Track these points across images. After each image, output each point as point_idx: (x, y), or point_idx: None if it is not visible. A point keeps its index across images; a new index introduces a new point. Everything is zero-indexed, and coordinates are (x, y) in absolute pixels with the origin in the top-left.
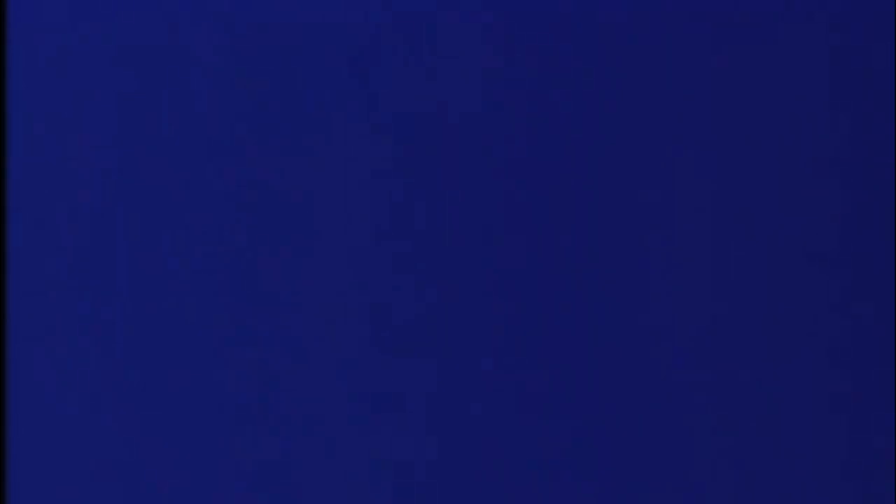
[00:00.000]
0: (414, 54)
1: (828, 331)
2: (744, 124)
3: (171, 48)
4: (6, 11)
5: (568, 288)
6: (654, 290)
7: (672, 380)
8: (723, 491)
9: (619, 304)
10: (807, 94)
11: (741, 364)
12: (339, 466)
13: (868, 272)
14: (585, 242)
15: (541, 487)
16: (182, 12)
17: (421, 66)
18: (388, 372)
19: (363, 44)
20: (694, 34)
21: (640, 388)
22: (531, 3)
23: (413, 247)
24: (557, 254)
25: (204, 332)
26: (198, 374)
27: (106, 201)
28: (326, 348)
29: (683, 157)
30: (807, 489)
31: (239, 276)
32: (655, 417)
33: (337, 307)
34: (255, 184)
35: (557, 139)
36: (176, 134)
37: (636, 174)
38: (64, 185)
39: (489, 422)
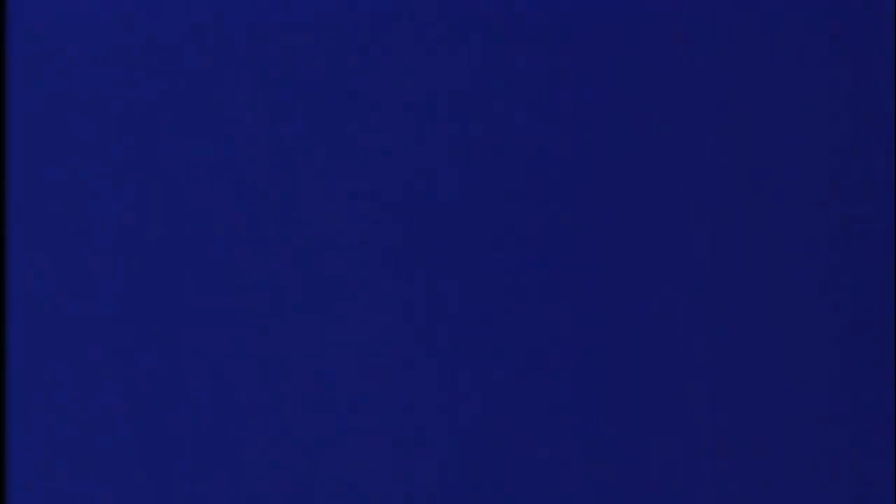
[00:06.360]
0: (414, 51)
1: (828, 331)
2: (742, 124)
3: (172, 47)
4: (6, 11)
5: (569, 289)
6: (654, 290)
7: (672, 380)
8: (723, 491)
9: (617, 305)
10: (807, 94)
11: (741, 364)
12: (341, 468)
13: (868, 272)
14: (585, 243)
15: (543, 488)
16: (182, 12)
17: (421, 63)
18: (390, 372)
19: (366, 40)
20: (692, 34)
21: (639, 389)
22: (531, 4)
23: (415, 246)
24: (558, 252)
25: (206, 333)
26: (200, 375)
27: (106, 201)
28: (329, 350)
29: (682, 157)
30: (807, 489)
31: (239, 277)
32: (656, 418)
33: (337, 307)
34: (256, 183)
35: (556, 137)
36: (176, 133)
37: (634, 174)
38: (64, 184)
39: (492, 424)
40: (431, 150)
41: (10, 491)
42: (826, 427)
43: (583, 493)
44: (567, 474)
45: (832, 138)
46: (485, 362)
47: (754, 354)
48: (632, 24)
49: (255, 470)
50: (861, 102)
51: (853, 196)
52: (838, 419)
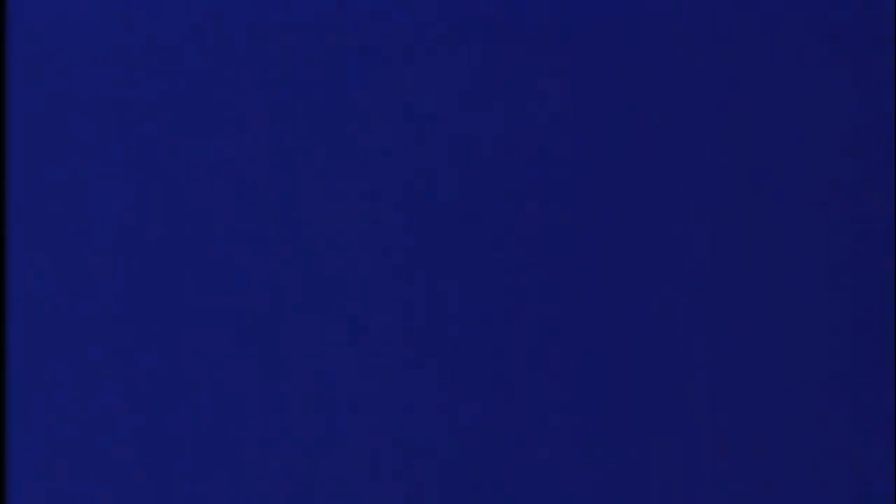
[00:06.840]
0: (415, 53)
1: (828, 331)
2: (743, 124)
3: (172, 47)
4: (6, 11)
5: (569, 289)
6: (654, 290)
7: (672, 379)
8: (723, 491)
9: (617, 305)
10: (807, 94)
11: (741, 364)
12: (342, 468)
13: (868, 272)
14: (585, 243)
15: (543, 488)
16: (182, 12)
17: (422, 65)
18: (390, 372)
19: (367, 43)
20: (693, 34)
21: (639, 389)
22: (528, 4)
23: (415, 246)
24: (558, 252)
25: (206, 333)
26: (200, 375)
27: (106, 201)
28: (329, 350)
29: (682, 157)
30: (807, 489)
31: (239, 277)
32: (656, 418)
33: (337, 307)
34: (256, 183)
35: (556, 137)
36: (176, 133)
37: (635, 174)
38: (64, 184)
39: (492, 424)
40: (431, 150)
41: (10, 491)
42: (826, 427)
43: (583, 493)
44: (567, 474)
45: (832, 138)
46: (485, 362)
47: (754, 354)
48: (632, 24)
49: (256, 470)
50: (861, 102)
51: (853, 196)
52: (838, 419)
